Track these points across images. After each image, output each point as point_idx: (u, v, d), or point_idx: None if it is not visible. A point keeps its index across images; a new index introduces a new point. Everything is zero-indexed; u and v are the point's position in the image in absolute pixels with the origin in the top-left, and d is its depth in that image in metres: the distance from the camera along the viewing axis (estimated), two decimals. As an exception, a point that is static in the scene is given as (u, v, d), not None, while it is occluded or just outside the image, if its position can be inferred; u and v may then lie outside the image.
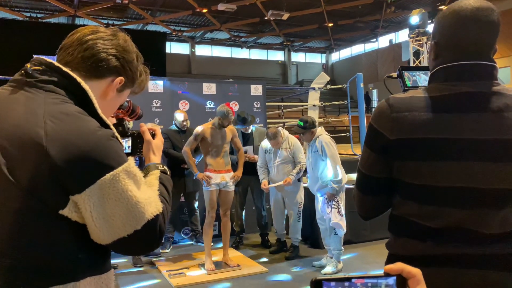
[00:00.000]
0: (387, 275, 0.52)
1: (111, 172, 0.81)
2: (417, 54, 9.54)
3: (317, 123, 4.03)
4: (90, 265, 0.85)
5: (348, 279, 0.50)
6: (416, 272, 0.53)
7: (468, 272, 0.96)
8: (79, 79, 0.87)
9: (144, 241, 0.87)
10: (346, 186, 4.06)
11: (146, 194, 0.87)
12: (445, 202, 0.98)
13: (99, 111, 0.89)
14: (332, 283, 0.50)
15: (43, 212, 0.78)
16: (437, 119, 0.99)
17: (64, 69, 0.87)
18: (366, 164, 1.09)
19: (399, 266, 0.53)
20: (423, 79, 1.28)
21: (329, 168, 3.79)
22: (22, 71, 0.88)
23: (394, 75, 1.40)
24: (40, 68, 0.87)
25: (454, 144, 0.97)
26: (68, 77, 0.87)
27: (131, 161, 0.86)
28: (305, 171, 4.29)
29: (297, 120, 4.12)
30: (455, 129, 0.98)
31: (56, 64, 0.88)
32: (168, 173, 1.04)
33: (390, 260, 1.09)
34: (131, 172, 0.85)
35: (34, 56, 0.92)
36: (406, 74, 1.34)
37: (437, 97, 1.02)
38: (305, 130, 3.92)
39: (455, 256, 0.97)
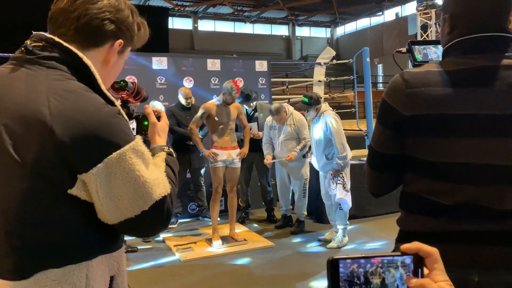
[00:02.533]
0: (403, 254, 0.52)
1: (118, 151, 0.78)
2: (425, 27, 9.31)
3: (322, 99, 4.00)
4: (101, 244, 0.85)
5: (365, 258, 0.51)
6: (433, 251, 0.52)
7: (481, 249, 0.96)
8: (80, 54, 0.84)
9: (151, 223, 0.85)
10: (351, 162, 4.07)
11: (154, 174, 0.85)
12: (459, 179, 0.97)
13: (103, 87, 0.85)
14: (349, 261, 0.51)
15: (51, 191, 0.77)
16: (454, 95, 0.97)
17: (65, 44, 0.84)
18: (379, 141, 1.08)
19: (416, 245, 0.52)
20: (433, 51, 1.25)
21: (334, 144, 3.79)
22: (22, 48, 0.85)
23: (404, 50, 1.37)
24: (41, 44, 0.83)
25: (472, 120, 0.96)
26: (69, 52, 0.84)
27: (138, 139, 0.83)
28: (310, 147, 4.30)
29: (302, 96, 4.10)
30: (473, 104, 0.96)
31: (57, 39, 0.84)
32: (174, 155, 1.02)
33: (401, 236, 1.10)
34: (139, 150, 0.82)
35: (34, 32, 0.87)
36: (416, 48, 1.30)
37: (453, 71, 1.00)
38: (309, 106, 3.90)
39: (468, 233, 0.97)
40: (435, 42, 1.28)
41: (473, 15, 1.00)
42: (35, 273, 0.77)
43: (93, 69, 0.85)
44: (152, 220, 0.84)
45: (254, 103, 4.96)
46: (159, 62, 5.19)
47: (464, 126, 0.96)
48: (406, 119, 1.01)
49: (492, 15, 0.99)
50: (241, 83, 5.52)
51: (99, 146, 0.77)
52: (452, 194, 0.98)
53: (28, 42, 0.84)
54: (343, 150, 3.78)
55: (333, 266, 0.51)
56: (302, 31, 29.40)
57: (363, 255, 0.51)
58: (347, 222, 4.01)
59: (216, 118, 3.99)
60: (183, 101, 4.76)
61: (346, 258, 0.51)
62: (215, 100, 4.08)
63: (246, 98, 4.78)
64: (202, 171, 4.97)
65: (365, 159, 4.74)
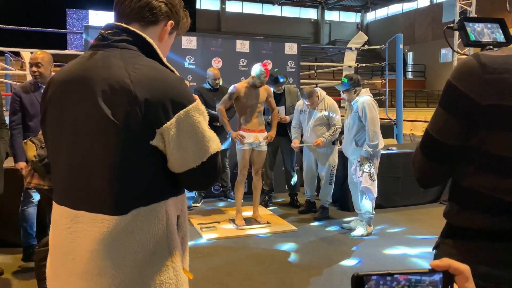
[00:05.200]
0: (432, 271, 0.50)
1: (185, 109, 0.96)
2: (464, 14, 8.88)
3: (360, 82, 3.88)
4: (172, 188, 1.03)
5: (391, 275, 0.49)
6: (464, 268, 0.50)
7: None
8: (144, 35, 1.02)
9: (208, 173, 1.03)
10: (382, 151, 3.98)
11: (210, 132, 1.02)
12: None
13: (164, 60, 1.04)
14: (374, 278, 0.48)
15: (139, 144, 0.95)
16: None
17: (131, 28, 1.02)
18: (442, 129, 0.99)
19: (446, 262, 0.50)
20: (498, 32, 1.12)
21: (366, 131, 3.71)
22: (99, 36, 1.04)
23: (455, 26, 1.25)
24: (112, 31, 1.02)
25: None
26: (135, 34, 1.02)
27: (199, 101, 1.01)
28: (341, 133, 4.22)
29: (330, 81, 4.01)
30: None
31: (124, 25, 1.03)
32: None
33: (450, 231, 1.04)
34: (200, 109, 1.00)
35: (106, 23, 1.07)
36: (470, 25, 1.14)
37: None
38: (348, 88, 3.81)
39: None
40: (492, 20, 1.15)
41: None
42: (131, 210, 0.96)
43: (155, 46, 1.03)
44: (208, 171, 1.02)
45: (283, 86, 4.90)
46: (188, 42, 5.17)
47: None
48: (481, 108, 0.91)
49: None
50: (269, 66, 5.45)
51: (170, 105, 0.94)
52: None
53: (102, 31, 1.03)
54: (375, 138, 3.68)
55: (358, 282, 0.48)
56: (331, 15, 28.72)
57: (389, 271, 0.49)
58: (373, 211, 3.95)
59: (244, 100, 3.96)
60: (211, 81, 4.74)
61: (371, 274, 0.49)
62: (245, 82, 4.04)
63: (275, 81, 4.71)
64: (228, 153, 4.98)
65: (394, 148, 4.63)
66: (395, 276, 0.48)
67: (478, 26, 1.14)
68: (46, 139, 1.08)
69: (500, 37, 1.10)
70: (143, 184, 0.97)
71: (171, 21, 1.08)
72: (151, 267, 0.98)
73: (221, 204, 5.05)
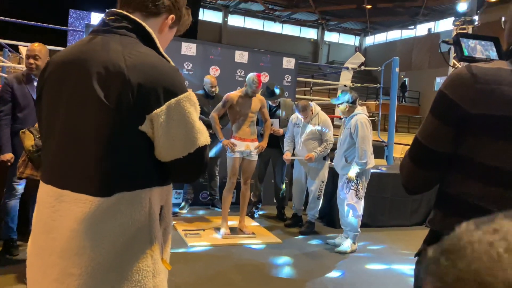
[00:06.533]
0: None
1: (176, 98, 0.97)
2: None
3: (357, 100, 3.94)
4: (158, 176, 1.03)
5: None
6: None
7: None
8: (144, 23, 1.04)
9: (194, 165, 1.04)
10: (372, 171, 4.00)
11: (200, 125, 1.03)
12: None
13: (161, 49, 1.06)
14: None
15: (129, 128, 0.96)
16: None
17: (132, 16, 1.05)
18: (431, 136, 1.00)
19: None
20: (490, 49, 1.16)
21: (356, 148, 3.73)
22: (101, 22, 1.07)
23: (450, 40, 1.28)
24: (113, 17, 1.05)
25: None
26: (135, 22, 1.04)
27: (191, 92, 1.02)
28: (333, 149, 4.24)
29: (325, 98, 4.06)
30: None
31: (125, 13, 1.05)
32: None
33: (433, 237, 1.04)
34: (192, 100, 1.01)
35: (107, 10, 1.09)
36: (465, 41, 1.15)
37: None
38: (340, 102, 3.85)
39: None
40: (487, 38, 1.19)
41: None
42: (115, 193, 0.96)
43: (154, 36, 1.06)
44: (194, 163, 1.03)
45: (279, 99, 4.93)
46: (188, 48, 5.21)
47: None
48: (471, 117, 0.93)
49: None
50: (266, 78, 5.50)
51: (162, 93, 0.96)
52: (505, 202, 0.92)
53: (104, 17, 1.06)
54: (364, 156, 3.71)
55: None
56: (331, 37, 29.17)
57: None
58: (358, 229, 3.94)
59: (237, 109, 3.98)
60: (207, 88, 4.76)
61: None
62: (239, 91, 4.07)
63: (271, 94, 4.75)
64: (218, 161, 4.97)
65: (383, 168, 4.67)
66: None
67: (472, 42, 1.17)
68: (40, 118, 1.08)
69: (493, 55, 1.13)
70: (129, 169, 0.98)
71: (172, 15, 1.10)
72: (130, 253, 0.98)
73: (207, 212, 5.01)
